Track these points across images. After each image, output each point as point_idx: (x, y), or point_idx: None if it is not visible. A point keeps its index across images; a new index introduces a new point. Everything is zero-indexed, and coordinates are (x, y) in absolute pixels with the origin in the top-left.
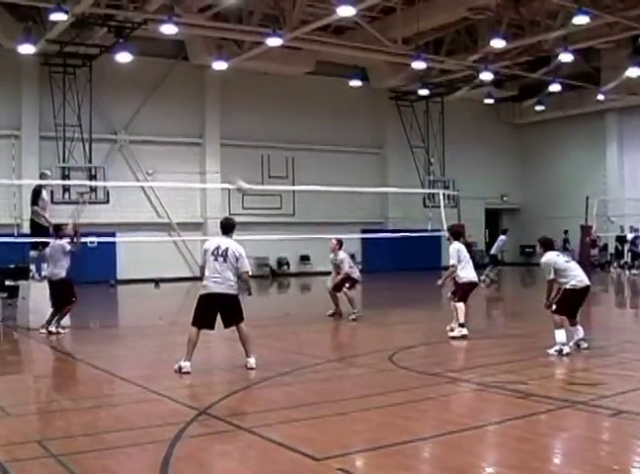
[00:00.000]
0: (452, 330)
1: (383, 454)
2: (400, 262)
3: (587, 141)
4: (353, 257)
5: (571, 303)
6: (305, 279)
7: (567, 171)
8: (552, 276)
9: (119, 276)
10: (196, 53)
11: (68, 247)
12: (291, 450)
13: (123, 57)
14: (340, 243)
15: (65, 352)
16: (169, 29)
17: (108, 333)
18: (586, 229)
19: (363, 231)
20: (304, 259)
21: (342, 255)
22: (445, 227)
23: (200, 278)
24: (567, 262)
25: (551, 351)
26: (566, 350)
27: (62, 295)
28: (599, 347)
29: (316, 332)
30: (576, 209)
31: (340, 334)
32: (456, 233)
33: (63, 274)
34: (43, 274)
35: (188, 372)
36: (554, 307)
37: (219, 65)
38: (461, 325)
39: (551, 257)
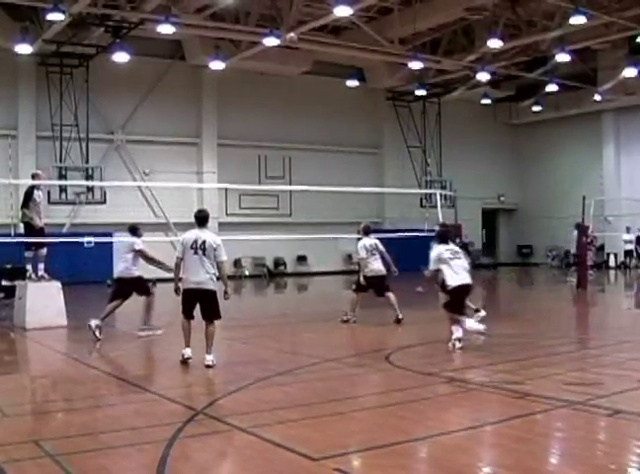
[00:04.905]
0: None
1: (380, 454)
2: (397, 262)
3: (583, 141)
4: (375, 248)
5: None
6: (302, 280)
7: (564, 171)
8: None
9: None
10: (193, 53)
11: (140, 246)
12: (288, 450)
13: (120, 57)
14: (363, 230)
15: (62, 351)
16: (166, 29)
17: (104, 333)
18: (583, 229)
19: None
20: (301, 259)
21: (359, 243)
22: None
23: (176, 271)
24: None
25: (449, 345)
26: (483, 332)
27: (118, 291)
28: (595, 346)
29: (313, 332)
30: (572, 209)
31: (337, 334)
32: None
33: (125, 271)
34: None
35: (189, 358)
36: (451, 316)
37: (216, 65)
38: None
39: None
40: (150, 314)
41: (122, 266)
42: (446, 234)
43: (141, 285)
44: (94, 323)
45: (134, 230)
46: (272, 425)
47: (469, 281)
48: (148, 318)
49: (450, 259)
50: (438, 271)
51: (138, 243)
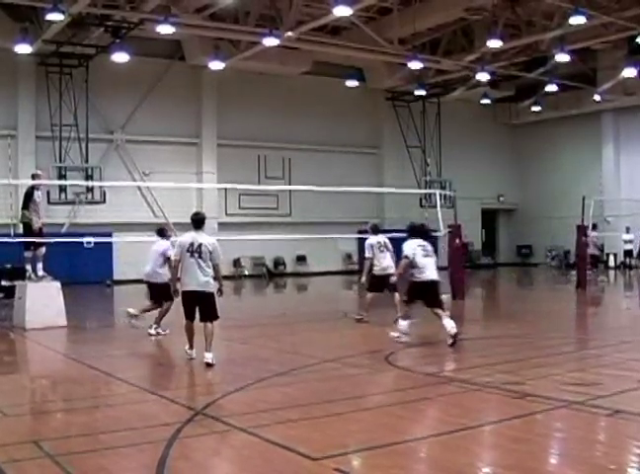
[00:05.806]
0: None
1: (379, 454)
2: (396, 262)
3: (583, 142)
4: (383, 245)
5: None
6: (302, 280)
7: (563, 171)
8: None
9: (115, 277)
10: (192, 53)
11: (168, 253)
12: (288, 450)
13: (120, 57)
14: (371, 229)
15: (61, 352)
16: (165, 29)
17: (104, 333)
18: (582, 229)
19: (360, 231)
20: (301, 259)
21: (366, 242)
22: (442, 227)
23: (174, 272)
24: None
25: (393, 334)
26: (403, 338)
27: (156, 296)
28: (595, 346)
29: (313, 332)
30: (572, 210)
31: (336, 334)
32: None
33: (156, 276)
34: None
35: (192, 358)
36: (404, 297)
37: (216, 65)
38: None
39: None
40: (163, 316)
41: (149, 268)
42: (419, 229)
43: (167, 292)
44: (131, 311)
45: (162, 232)
46: (271, 425)
47: (436, 278)
48: (159, 318)
49: (423, 255)
50: (412, 261)
51: (170, 249)
